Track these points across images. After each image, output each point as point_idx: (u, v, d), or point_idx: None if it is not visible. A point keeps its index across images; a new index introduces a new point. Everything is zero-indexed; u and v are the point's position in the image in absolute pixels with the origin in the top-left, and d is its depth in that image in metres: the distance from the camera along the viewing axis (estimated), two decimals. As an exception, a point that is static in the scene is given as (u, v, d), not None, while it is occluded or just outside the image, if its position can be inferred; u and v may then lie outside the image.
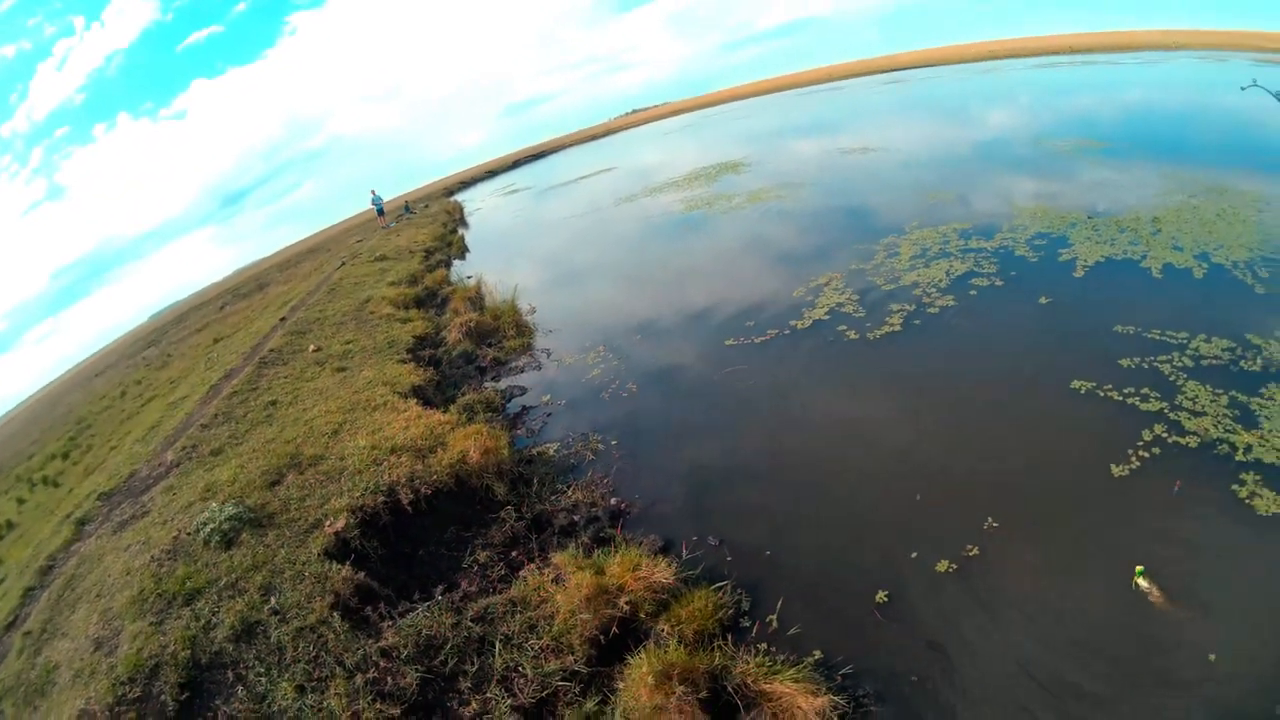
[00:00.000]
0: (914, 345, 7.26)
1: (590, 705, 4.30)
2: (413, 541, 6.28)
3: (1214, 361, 6.28)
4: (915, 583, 4.74)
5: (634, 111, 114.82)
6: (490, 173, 66.65)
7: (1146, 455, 5.37)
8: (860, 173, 16.79)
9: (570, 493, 6.82)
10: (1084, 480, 5.24)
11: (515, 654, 4.70)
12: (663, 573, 5.04)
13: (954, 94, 35.21)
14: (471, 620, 5.00)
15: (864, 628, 4.56)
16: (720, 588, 5.09)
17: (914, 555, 4.87)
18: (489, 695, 4.45)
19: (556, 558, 5.42)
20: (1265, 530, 4.63)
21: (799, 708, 3.96)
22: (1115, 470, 5.26)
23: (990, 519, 5.05)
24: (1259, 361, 6.23)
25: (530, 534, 6.35)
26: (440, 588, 5.78)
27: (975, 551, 4.83)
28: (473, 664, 4.66)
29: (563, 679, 4.51)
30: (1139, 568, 4.27)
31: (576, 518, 6.53)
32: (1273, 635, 4.04)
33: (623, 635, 4.79)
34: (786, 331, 8.36)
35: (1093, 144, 14.55)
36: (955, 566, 4.74)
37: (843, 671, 4.29)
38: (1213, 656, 3.95)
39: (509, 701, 4.39)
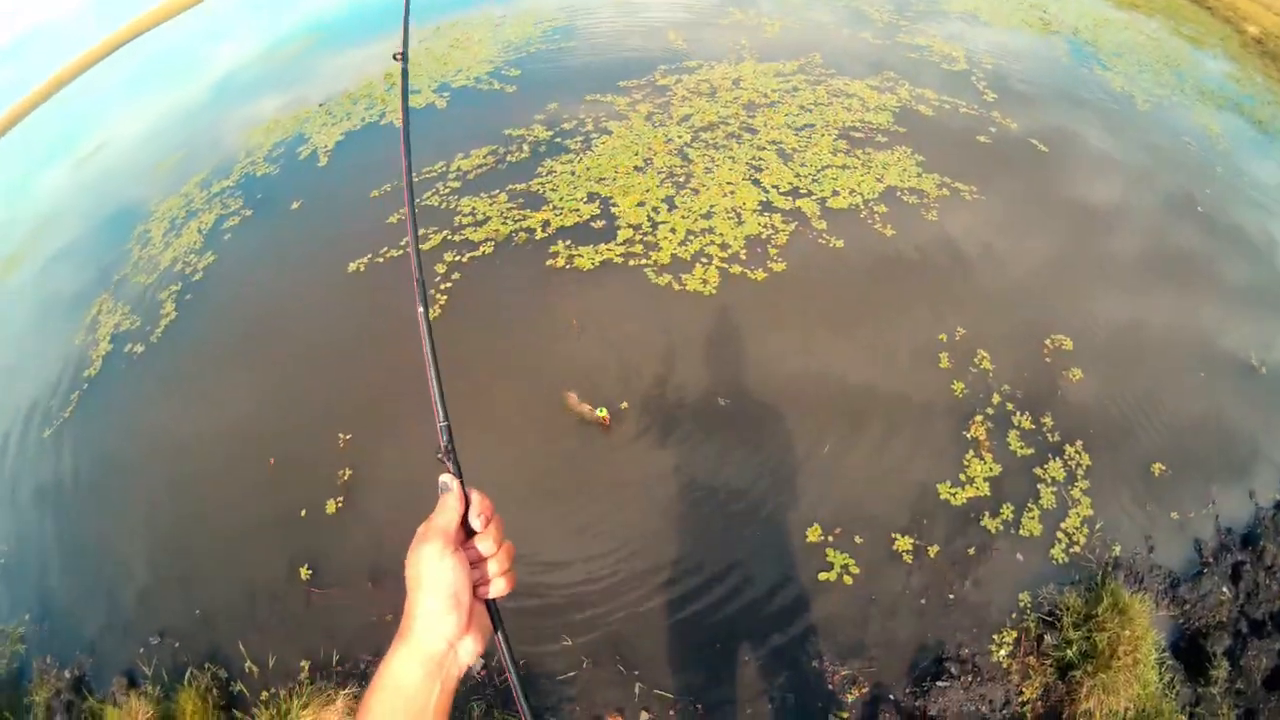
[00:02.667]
0: (198, 324, 6.27)
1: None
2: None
3: (479, 171, 6.56)
4: (323, 536, 4.41)
5: None
6: None
7: (450, 285, 5.40)
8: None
9: None
10: (405, 340, 4.53)
11: None
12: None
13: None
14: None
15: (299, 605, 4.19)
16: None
17: (303, 514, 4.49)
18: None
19: None
20: (601, 280, 5.28)
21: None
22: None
23: (344, 434, 4.82)
24: (525, 150, 6.70)
25: None
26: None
27: (348, 474, 4.60)
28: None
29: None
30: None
31: None
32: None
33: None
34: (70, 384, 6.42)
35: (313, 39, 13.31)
36: (342, 499, 4.50)
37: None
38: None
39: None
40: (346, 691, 3.70)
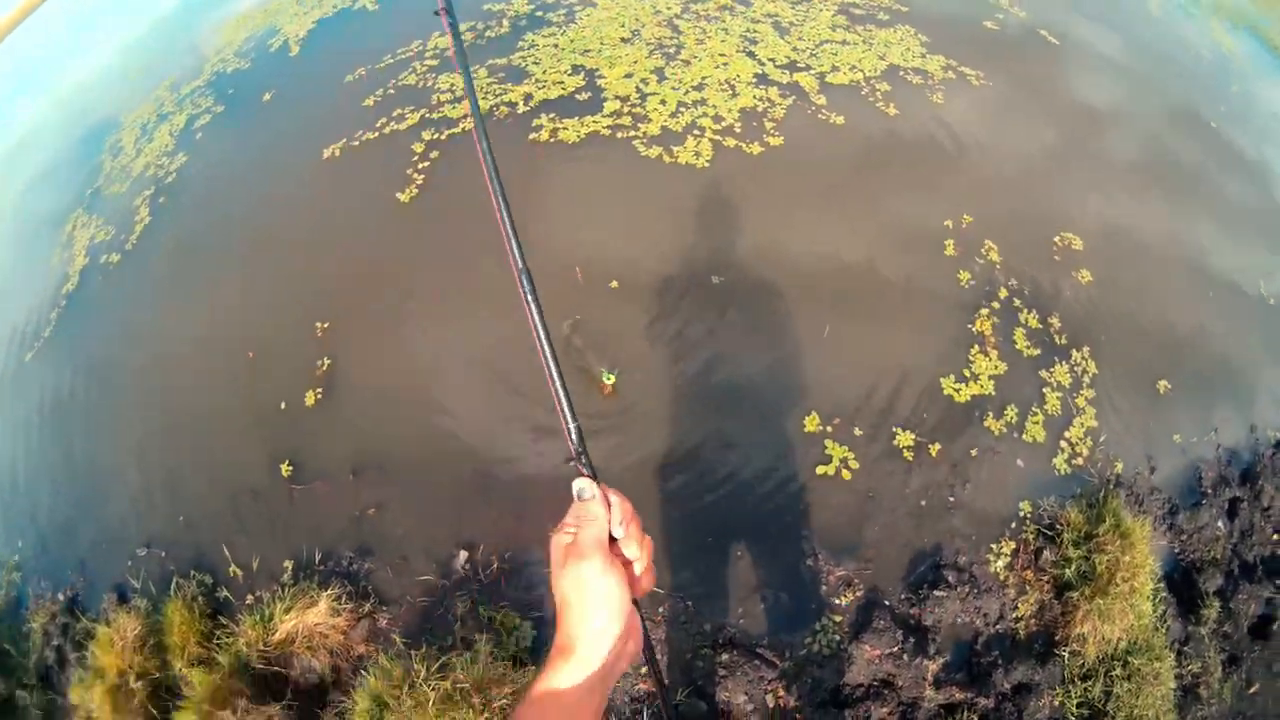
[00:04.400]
0: (173, 226, 5.88)
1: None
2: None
3: (469, 42, 6.14)
4: (303, 430, 4.15)
5: None
6: None
7: (428, 165, 5.03)
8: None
9: None
10: (383, 224, 4.86)
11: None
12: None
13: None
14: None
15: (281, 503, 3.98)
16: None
17: (282, 406, 4.23)
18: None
19: None
20: (587, 152, 4.85)
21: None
22: (402, 197, 4.88)
23: (322, 324, 4.48)
24: (505, 25, 6.15)
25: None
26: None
27: (327, 365, 4.30)
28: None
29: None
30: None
31: None
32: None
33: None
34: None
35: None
36: (320, 391, 4.21)
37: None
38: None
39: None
40: (328, 592, 3.52)
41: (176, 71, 8.32)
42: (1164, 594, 3.89)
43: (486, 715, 3.03)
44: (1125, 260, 4.67)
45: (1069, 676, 3.59)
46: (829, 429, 3.77)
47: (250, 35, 8.30)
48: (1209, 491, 4.20)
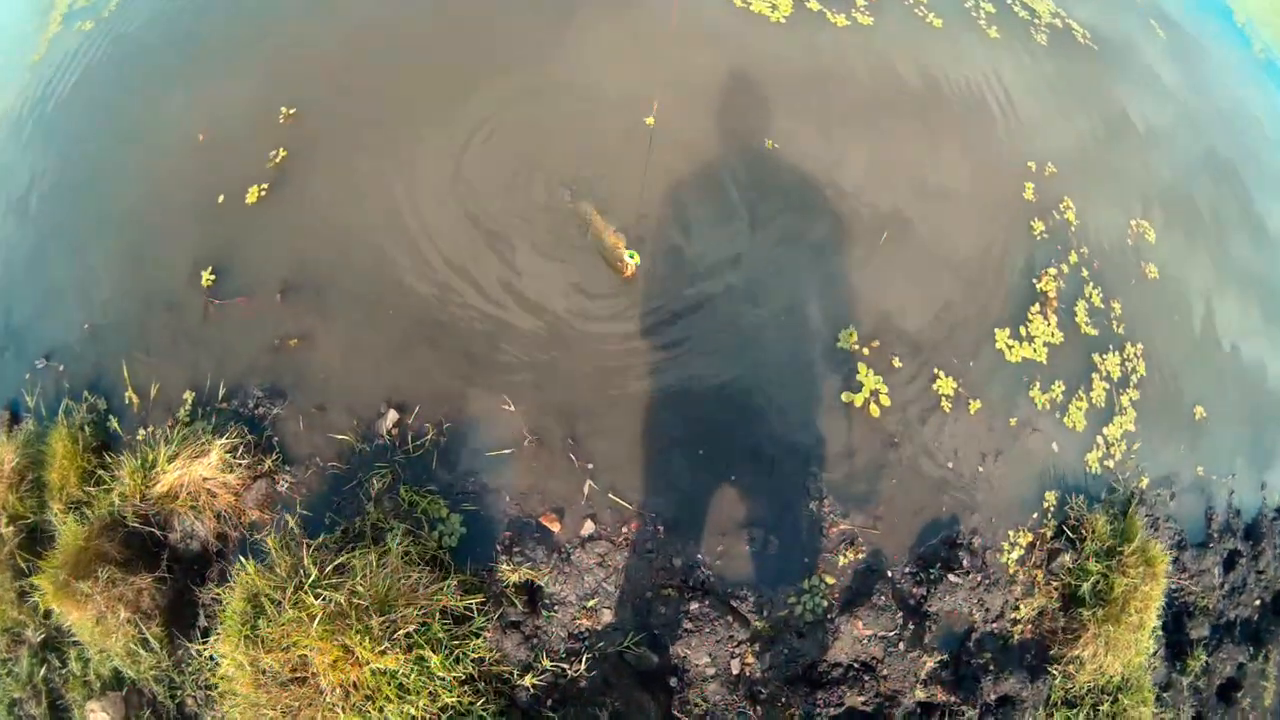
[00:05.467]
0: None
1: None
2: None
3: None
4: (237, 230, 3.42)
5: None
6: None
7: None
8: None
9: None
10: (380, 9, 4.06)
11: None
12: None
13: None
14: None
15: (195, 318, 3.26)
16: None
17: (220, 199, 3.49)
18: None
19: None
20: None
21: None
22: None
23: (289, 109, 3.69)
24: None
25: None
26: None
27: (281, 156, 3.54)
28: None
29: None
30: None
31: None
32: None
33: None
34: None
35: None
36: (266, 187, 3.46)
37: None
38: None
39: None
40: (223, 441, 2.90)
41: None
42: (1158, 633, 3.55)
43: (385, 646, 2.22)
44: (1194, 270, 4.26)
45: (1054, 699, 3.22)
46: (866, 351, 3.14)
47: None
48: (1215, 535, 3.92)
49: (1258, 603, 4.08)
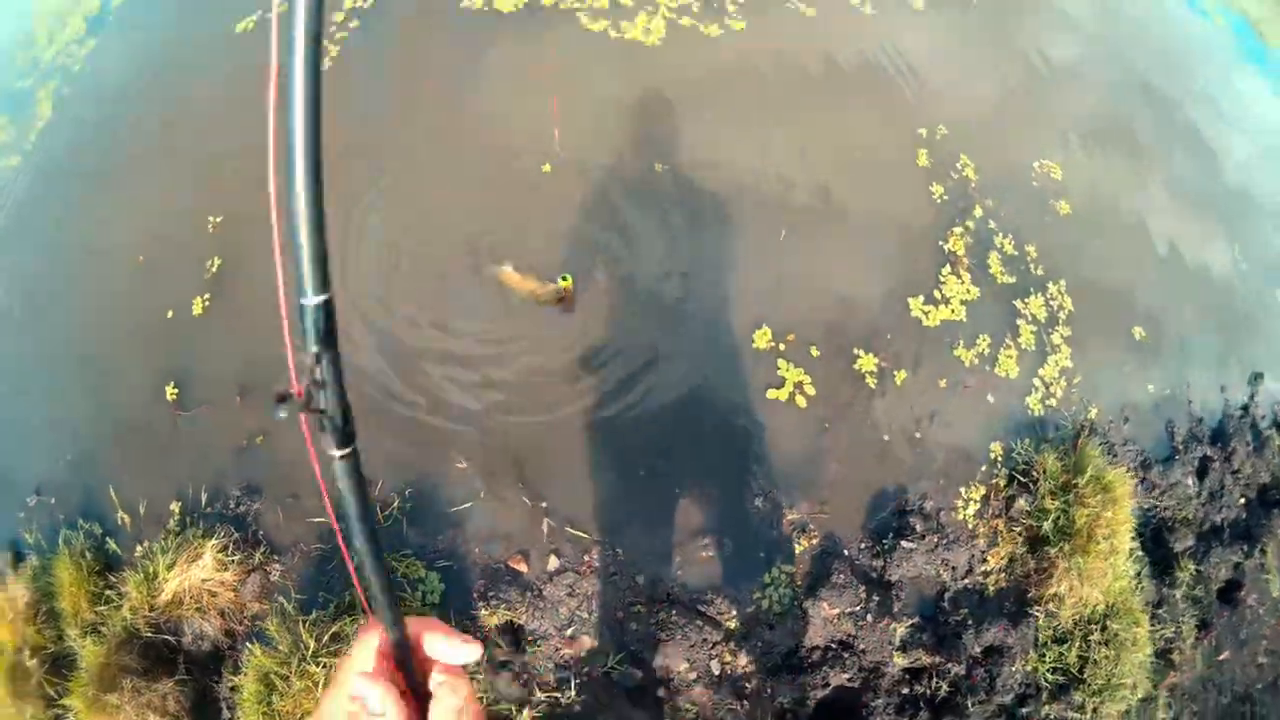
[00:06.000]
0: (74, 121, 5.11)
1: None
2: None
3: None
4: (190, 343, 3.55)
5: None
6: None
7: (347, 34, 4.34)
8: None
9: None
10: None
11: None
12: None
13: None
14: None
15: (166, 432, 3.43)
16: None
17: (170, 315, 3.63)
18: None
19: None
20: (525, 23, 4.19)
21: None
22: None
23: (215, 218, 3.83)
24: None
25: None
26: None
27: (217, 265, 3.68)
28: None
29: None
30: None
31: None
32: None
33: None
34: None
35: None
36: (209, 297, 3.62)
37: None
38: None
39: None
40: (213, 542, 3.06)
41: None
42: (1138, 553, 3.61)
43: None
44: (1105, 198, 4.33)
45: (1042, 639, 3.24)
46: (781, 346, 3.26)
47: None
48: (1180, 448, 3.96)
49: (1241, 501, 4.10)
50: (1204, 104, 5.33)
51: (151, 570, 3.08)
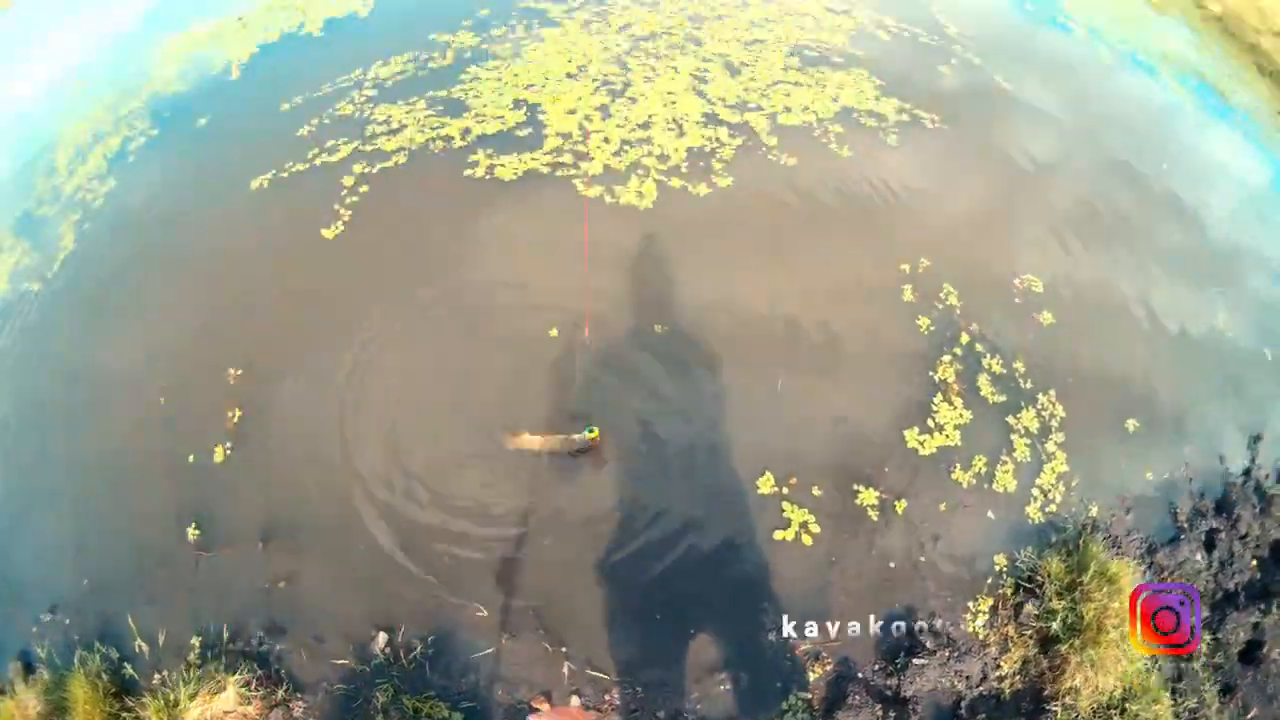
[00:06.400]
0: (95, 255, 5.51)
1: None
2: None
3: (397, 78, 6.00)
4: (212, 488, 3.88)
5: None
6: None
7: (356, 199, 4.88)
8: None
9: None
10: (305, 264, 4.74)
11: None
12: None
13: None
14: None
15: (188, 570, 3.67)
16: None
17: (191, 459, 3.96)
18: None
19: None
20: (524, 191, 4.70)
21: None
22: (327, 234, 4.75)
23: (235, 370, 4.24)
24: (449, 56, 6.11)
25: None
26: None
27: (238, 416, 4.05)
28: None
29: None
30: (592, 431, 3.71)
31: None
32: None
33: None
34: None
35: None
36: (230, 446, 3.96)
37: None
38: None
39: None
40: (236, 677, 3.24)
41: (117, 90, 7.99)
42: None
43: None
44: (1085, 301, 4.57)
45: None
46: (785, 490, 3.63)
47: (192, 57, 8.09)
48: (1185, 525, 4.12)
49: (1254, 563, 4.19)
50: (1179, 171, 5.57)
51: (172, 698, 3.20)
